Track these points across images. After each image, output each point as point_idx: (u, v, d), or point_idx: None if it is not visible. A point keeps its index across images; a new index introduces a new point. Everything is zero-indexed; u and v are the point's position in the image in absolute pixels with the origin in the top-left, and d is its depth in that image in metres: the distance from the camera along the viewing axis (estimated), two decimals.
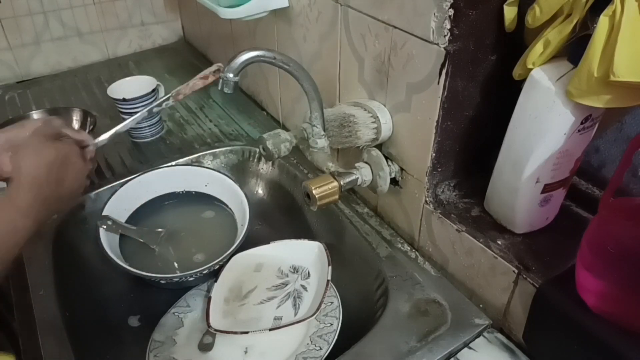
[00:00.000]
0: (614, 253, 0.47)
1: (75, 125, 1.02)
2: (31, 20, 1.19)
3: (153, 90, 0.96)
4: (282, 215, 0.91)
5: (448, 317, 0.62)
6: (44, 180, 0.59)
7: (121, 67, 1.30)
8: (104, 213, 0.76)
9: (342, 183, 0.66)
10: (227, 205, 0.84)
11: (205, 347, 0.66)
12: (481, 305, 0.64)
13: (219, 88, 0.61)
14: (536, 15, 0.51)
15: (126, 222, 0.80)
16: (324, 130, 0.71)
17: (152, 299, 0.75)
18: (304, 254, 0.74)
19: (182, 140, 1.00)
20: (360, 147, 0.70)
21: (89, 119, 1.00)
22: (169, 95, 0.75)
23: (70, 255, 0.77)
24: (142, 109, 0.78)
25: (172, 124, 1.05)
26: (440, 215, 0.66)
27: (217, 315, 0.68)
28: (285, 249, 0.76)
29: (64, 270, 0.73)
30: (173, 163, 0.90)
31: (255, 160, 0.96)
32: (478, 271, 0.63)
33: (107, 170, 0.91)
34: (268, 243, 0.77)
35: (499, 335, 0.61)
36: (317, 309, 0.64)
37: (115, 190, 0.80)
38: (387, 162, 0.69)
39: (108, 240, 0.73)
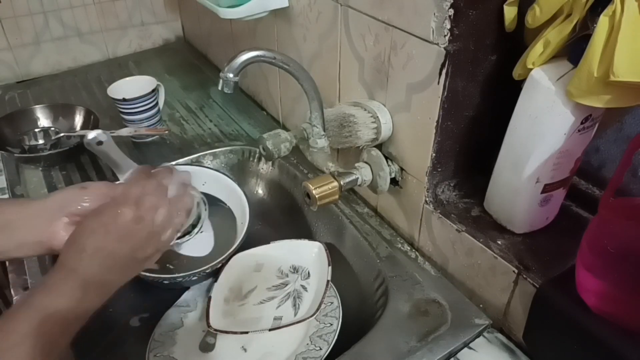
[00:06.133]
0: (614, 253, 0.47)
1: (78, 124, 1.02)
2: (31, 20, 1.19)
3: (153, 90, 0.96)
4: (282, 215, 0.90)
5: (448, 317, 0.62)
6: (112, 248, 0.50)
7: (121, 67, 1.30)
8: None
9: (342, 183, 0.66)
10: (226, 205, 0.84)
11: (206, 348, 0.66)
12: (481, 305, 0.64)
13: (219, 88, 0.61)
14: (536, 15, 0.51)
15: None
16: (324, 130, 0.71)
17: (152, 299, 0.75)
18: (304, 254, 0.74)
19: (182, 140, 1.00)
20: (360, 147, 0.70)
21: (92, 118, 1.00)
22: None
23: None
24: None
25: (172, 124, 1.05)
26: (440, 215, 0.66)
27: (217, 315, 0.68)
28: (285, 249, 0.76)
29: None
30: (173, 163, 0.90)
31: (255, 160, 0.96)
32: (478, 271, 0.63)
33: (107, 170, 0.91)
34: (268, 243, 0.77)
35: (499, 335, 0.61)
36: (317, 309, 0.64)
37: None
38: (387, 162, 0.69)
39: None
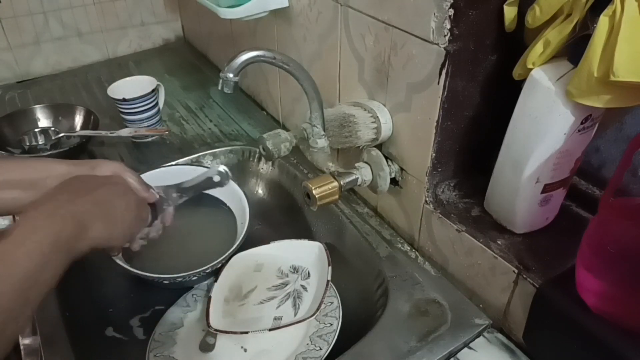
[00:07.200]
0: (614, 253, 0.47)
1: (78, 124, 1.02)
2: (31, 20, 1.19)
3: (153, 90, 0.96)
4: (282, 215, 0.90)
5: (448, 317, 0.62)
6: (79, 190, 0.51)
7: (121, 67, 1.30)
8: None
9: (342, 183, 0.66)
10: (226, 205, 0.84)
11: (206, 348, 0.66)
12: (481, 305, 0.64)
13: (219, 88, 0.61)
14: (536, 15, 0.51)
15: None
16: (324, 130, 0.71)
17: (152, 299, 0.75)
18: (304, 254, 0.74)
19: (182, 140, 1.00)
20: (360, 147, 0.70)
21: (92, 118, 1.00)
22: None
23: None
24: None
25: (172, 124, 1.05)
26: (440, 215, 0.66)
27: (217, 315, 0.68)
28: (285, 249, 0.76)
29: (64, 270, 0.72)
30: (173, 163, 0.90)
31: (255, 160, 0.96)
32: (478, 271, 0.63)
33: None
34: (268, 243, 0.77)
35: (499, 335, 0.61)
36: (317, 309, 0.64)
37: None
38: (387, 162, 0.69)
39: None
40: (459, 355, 0.59)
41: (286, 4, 0.81)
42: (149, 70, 1.27)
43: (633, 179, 0.56)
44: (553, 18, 0.50)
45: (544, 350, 0.56)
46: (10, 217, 0.81)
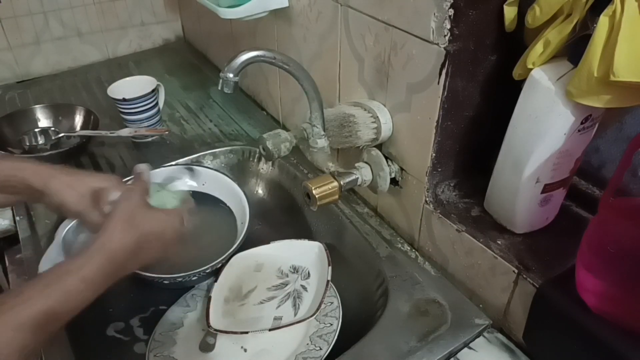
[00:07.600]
0: (614, 253, 0.47)
1: (78, 124, 1.03)
2: (31, 20, 1.19)
3: (153, 90, 0.96)
4: (282, 215, 0.91)
5: (448, 317, 0.62)
6: (125, 256, 0.53)
7: (121, 67, 1.30)
8: None
9: (342, 183, 0.66)
10: (226, 205, 0.84)
11: (206, 348, 0.66)
12: (481, 305, 0.64)
13: (219, 88, 0.61)
14: (536, 15, 0.51)
15: None
16: (324, 130, 0.71)
17: (152, 299, 0.75)
18: (304, 254, 0.74)
19: (182, 140, 1.00)
20: (360, 147, 0.70)
21: (92, 118, 1.00)
22: None
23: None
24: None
25: (172, 124, 1.05)
26: (440, 215, 0.66)
27: (217, 315, 0.68)
28: (285, 249, 0.76)
29: None
30: (173, 163, 0.90)
31: (255, 160, 0.96)
32: (478, 271, 0.63)
33: (108, 170, 0.91)
34: (268, 243, 0.77)
35: (499, 335, 0.61)
36: (317, 309, 0.64)
37: None
38: (387, 162, 0.69)
39: None
40: (459, 355, 0.59)
41: (286, 4, 0.81)
42: (149, 70, 1.27)
43: (633, 179, 0.56)
44: (553, 18, 0.50)
45: (544, 350, 0.56)
46: (10, 215, 0.81)
